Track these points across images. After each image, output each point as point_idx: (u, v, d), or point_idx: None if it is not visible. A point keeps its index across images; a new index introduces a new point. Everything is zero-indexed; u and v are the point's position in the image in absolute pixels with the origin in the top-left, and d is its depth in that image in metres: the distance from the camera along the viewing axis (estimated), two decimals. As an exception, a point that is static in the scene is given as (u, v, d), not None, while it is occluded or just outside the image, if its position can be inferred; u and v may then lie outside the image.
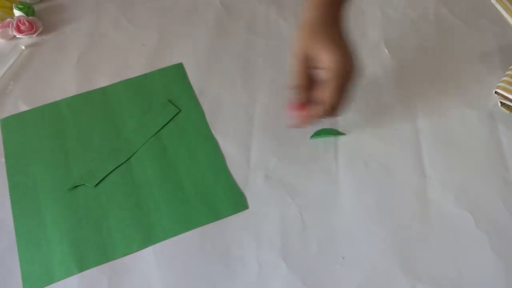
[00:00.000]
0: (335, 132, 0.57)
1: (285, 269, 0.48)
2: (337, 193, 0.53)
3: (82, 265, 0.48)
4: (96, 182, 0.53)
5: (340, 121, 0.58)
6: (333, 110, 0.49)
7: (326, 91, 0.48)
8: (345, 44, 0.48)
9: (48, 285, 0.48)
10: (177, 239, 0.50)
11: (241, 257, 0.49)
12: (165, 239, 0.50)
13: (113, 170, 0.54)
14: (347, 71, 0.48)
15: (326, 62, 0.47)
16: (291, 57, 0.48)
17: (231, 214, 0.51)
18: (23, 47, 0.65)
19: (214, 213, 0.51)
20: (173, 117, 0.58)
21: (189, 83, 0.62)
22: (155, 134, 0.57)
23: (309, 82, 0.50)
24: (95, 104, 0.60)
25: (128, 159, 0.55)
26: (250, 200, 0.52)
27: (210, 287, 0.47)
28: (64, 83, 0.62)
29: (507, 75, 0.57)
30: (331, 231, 0.50)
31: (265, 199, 0.52)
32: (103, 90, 0.61)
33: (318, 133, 0.56)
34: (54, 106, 0.60)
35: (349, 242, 0.49)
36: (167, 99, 0.60)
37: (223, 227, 0.50)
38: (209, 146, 0.56)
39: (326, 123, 0.57)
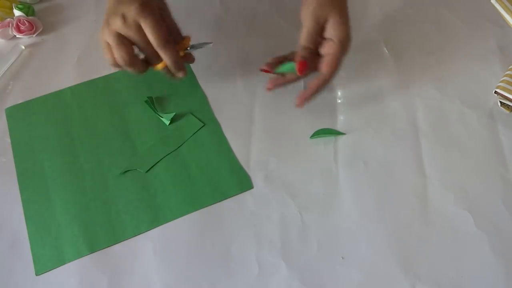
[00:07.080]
0: (335, 132, 0.57)
1: (285, 269, 0.48)
2: (337, 193, 0.53)
3: (92, 246, 0.49)
4: (148, 168, 0.54)
5: (340, 121, 0.58)
6: (330, 79, 0.51)
7: (330, 60, 0.50)
8: (347, 14, 0.50)
9: (59, 266, 0.48)
10: (177, 239, 0.50)
11: (241, 257, 0.49)
12: (172, 219, 0.51)
13: (164, 157, 0.55)
14: (349, 43, 0.50)
15: (332, 31, 0.50)
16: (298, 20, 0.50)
17: (237, 194, 0.52)
18: (23, 47, 0.65)
19: (220, 193, 0.52)
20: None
21: (190, 68, 0.63)
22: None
23: (315, 47, 0.51)
24: (98, 90, 0.61)
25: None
26: (250, 200, 0.52)
27: (210, 287, 0.47)
28: (63, 83, 0.62)
29: (506, 75, 0.58)
30: (331, 231, 0.50)
31: (265, 199, 0.52)
32: (105, 78, 0.62)
33: (318, 133, 0.56)
34: (58, 94, 0.61)
35: (349, 242, 0.49)
36: (170, 86, 0.61)
37: (223, 226, 0.51)
38: (212, 129, 0.57)
39: (326, 123, 0.57)
